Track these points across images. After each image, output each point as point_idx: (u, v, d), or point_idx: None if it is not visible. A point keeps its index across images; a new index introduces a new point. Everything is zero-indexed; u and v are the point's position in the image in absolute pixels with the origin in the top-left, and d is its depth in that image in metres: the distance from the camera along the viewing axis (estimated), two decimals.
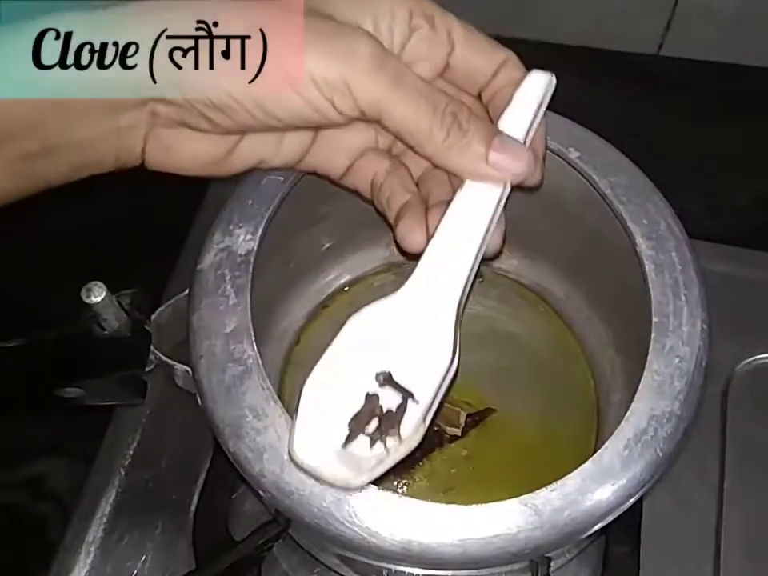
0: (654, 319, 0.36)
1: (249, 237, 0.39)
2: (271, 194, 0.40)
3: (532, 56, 0.71)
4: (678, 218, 0.39)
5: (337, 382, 0.33)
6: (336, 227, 0.49)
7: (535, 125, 0.35)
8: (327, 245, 0.50)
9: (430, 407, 0.32)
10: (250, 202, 0.40)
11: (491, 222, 0.34)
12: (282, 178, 0.40)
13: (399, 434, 0.32)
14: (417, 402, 0.32)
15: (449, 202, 0.34)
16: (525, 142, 0.34)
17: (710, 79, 0.70)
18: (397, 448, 0.32)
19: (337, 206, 0.48)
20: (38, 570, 0.48)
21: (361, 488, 0.32)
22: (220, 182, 0.61)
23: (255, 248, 0.39)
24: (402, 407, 0.32)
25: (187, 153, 0.33)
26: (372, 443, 0.32)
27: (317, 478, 0.31)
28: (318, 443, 0.31)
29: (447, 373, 0.33)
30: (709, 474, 0.50)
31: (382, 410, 0.32)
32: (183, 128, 0.31)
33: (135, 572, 0.47)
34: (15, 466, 0.55)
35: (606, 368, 0.48)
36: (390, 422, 0.32)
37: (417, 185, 0.37)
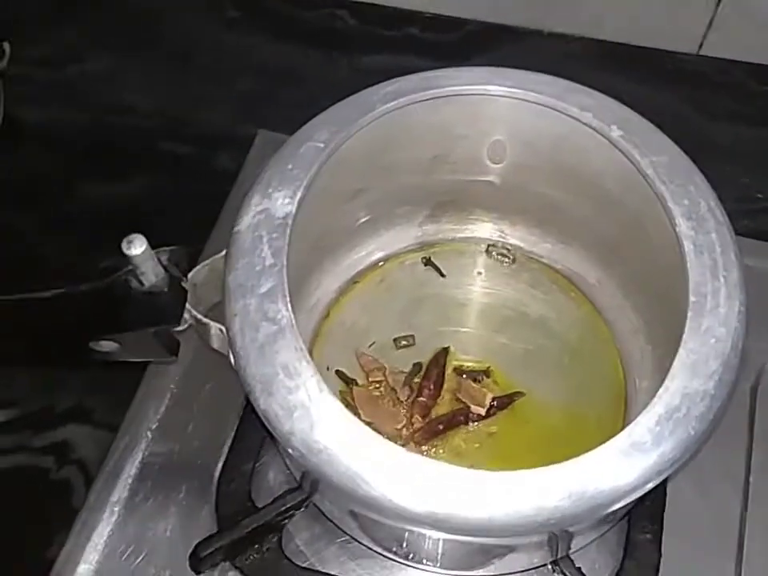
0: (692, 299, 0.36)
1: (287, 200, 0.39)
2: (310, 160, 0.40)
3: (571, 51, 0.71)
4: (719, 201, 0.39)
5: None
6: (372, 202, 0.50)
7: None
8: (363, 219, 0.50)
9: None
10: (290, 166, 0.40)
11: None
12: (322, 145, 0.41)
13: None
14: None
15: None
16: None
17: (749, 80, 0.69)
18: None
19: (375, 181, 0.48)
20: (59, 534, 0.49)
21: None
22: (256, 154, 0.63)
23: (293, 212, 0.39)
24: None
25: None
26: None
27: None
28: None
29: None
30: (735, 467, 0.49)
31: None
32: None
33: (157, 534, 0.47)
34: (42, 430, 0.55)
35: (635, 355, 0.48)
36: None
37: None
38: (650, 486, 0.34)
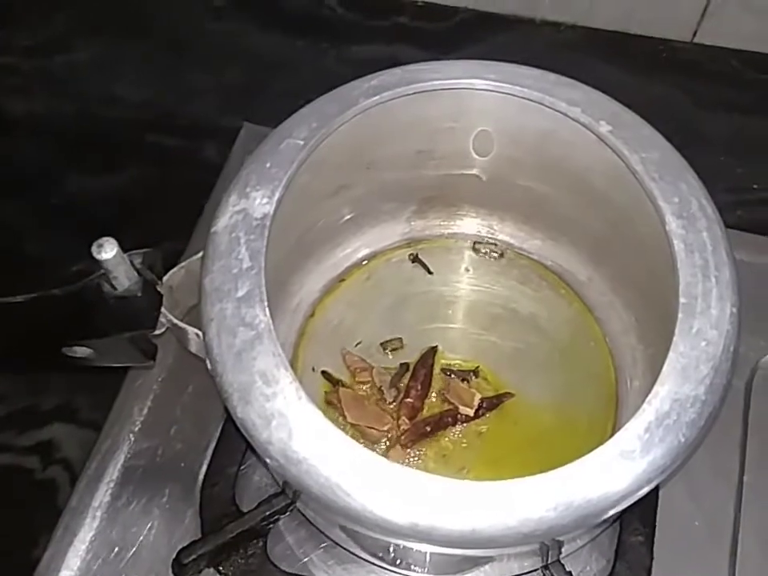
0: (682, 300, 0.35)
1: (265, 200, 0.38)
2: (290, 158, 0.39)
3: (564, 39, 0.70)
4: (710, 198, 0.38)
5: None
6: (356, 199, 0.48)
7: None
8: (347, 217, 0.49)
9: None
10: (268, 164, 0.39)
11: None
12: (301, 142, 0.39)
13: None
14: None
15: None
16: None
17: (744, 69, 0.68)
18: None
19: (358, 177, 0.47)
20: (45, 534, 0.48)
21: None
22: (241, 147, 0.62)
23: (272, 212, 0.38)
24: None
25: None
26: None
27: None
28: None
29: None
30: (729, 467, 0.48)
31: None
32: None
33: (141, 538, 0.46)
34: (27, 430, 0.54)
35: (626, 355, 0.47)
36: None
37: None
38: (640, 494, 0.33)
